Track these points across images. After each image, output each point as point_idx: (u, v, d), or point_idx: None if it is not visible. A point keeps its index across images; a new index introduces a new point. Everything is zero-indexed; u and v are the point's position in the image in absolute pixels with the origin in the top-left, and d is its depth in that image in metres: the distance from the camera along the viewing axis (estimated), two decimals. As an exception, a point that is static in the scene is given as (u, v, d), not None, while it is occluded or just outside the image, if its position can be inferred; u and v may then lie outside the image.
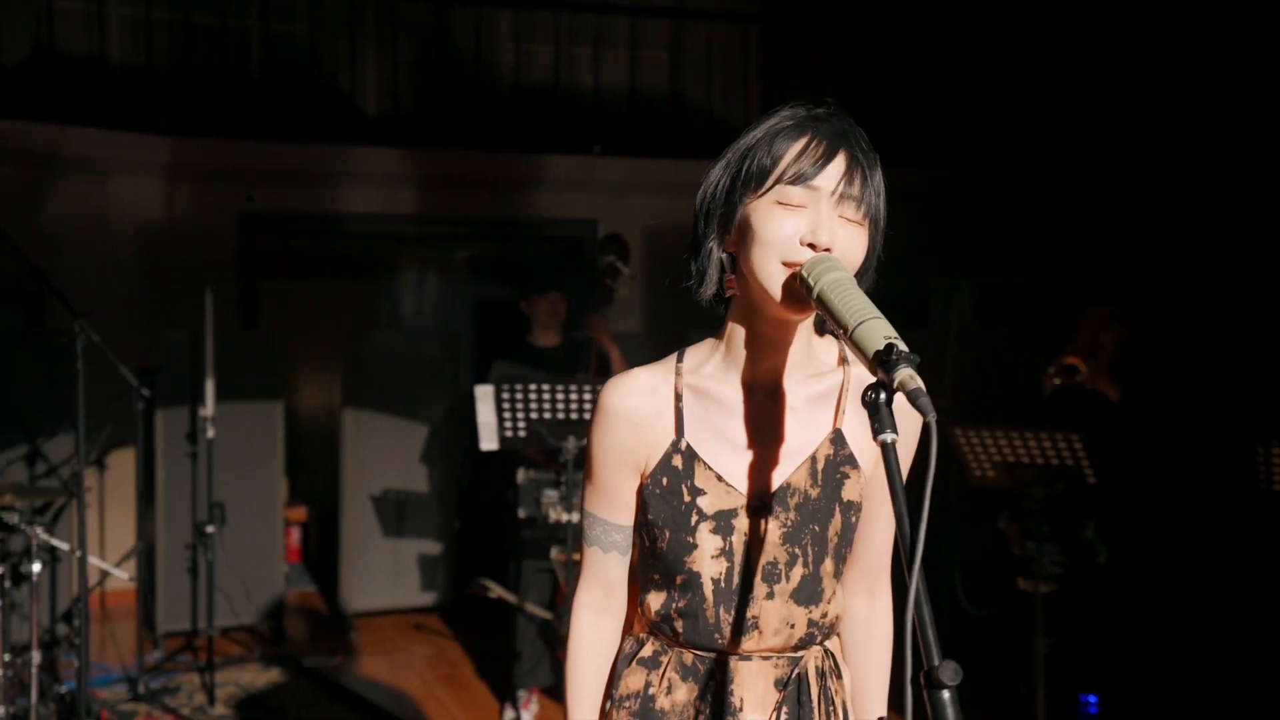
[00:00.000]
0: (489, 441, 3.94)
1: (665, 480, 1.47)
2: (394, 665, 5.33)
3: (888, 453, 1.17)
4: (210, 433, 4.97)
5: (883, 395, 1.18)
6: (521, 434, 3.92)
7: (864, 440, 1.46)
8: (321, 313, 7.98)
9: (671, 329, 5.25)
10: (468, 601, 5.75)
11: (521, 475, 4.17)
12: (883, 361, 1.18)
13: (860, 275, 1.43)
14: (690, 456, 1.47)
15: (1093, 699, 4.28)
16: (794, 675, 1.48)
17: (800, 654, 1.50)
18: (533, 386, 3.89)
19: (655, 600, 1.52)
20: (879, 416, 1.18)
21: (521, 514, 4.17)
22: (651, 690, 1.52)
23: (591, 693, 1.58)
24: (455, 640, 5.66)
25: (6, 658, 3.86)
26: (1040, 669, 3.71)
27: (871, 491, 1.51)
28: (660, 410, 1.50)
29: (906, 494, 1.42)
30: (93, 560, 4.06)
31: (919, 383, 1.15)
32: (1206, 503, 4.51)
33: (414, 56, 7.33)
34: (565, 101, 7.51)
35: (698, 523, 1.46)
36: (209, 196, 6.66)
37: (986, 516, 4.31)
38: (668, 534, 1.47)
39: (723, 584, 1.46)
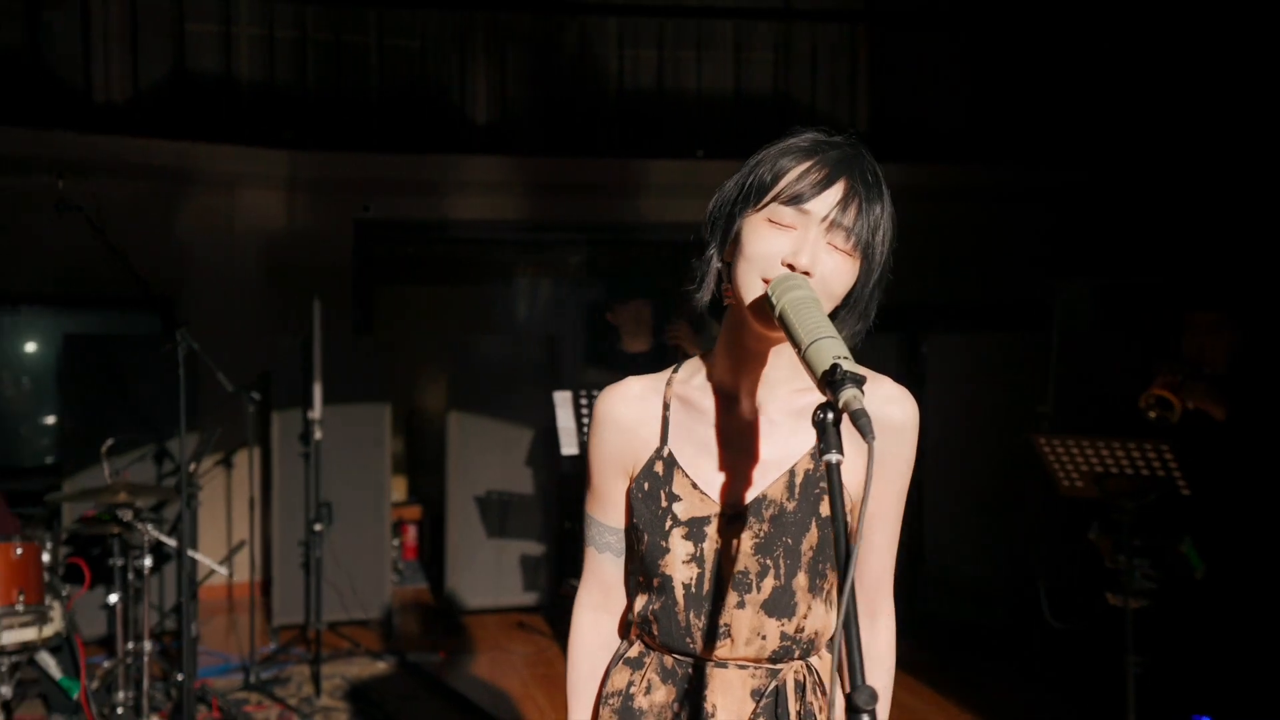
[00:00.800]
0: (569, 447, 4.01)
1: (647, 485, 1.51)
2: (494, 663, 5.45)
3: (831, 473, 1.17)
4: (318, 434, 5.18)
5: (830, 415, 1.18)
6: (601, 439, 3.97)
7: (850, 458, 1.44)
8: (435, 317, 8.22)
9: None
10: (568, 602, 5.84)
11: (602, 480, 4.23)
12: (829, 382, 1.18)
13: (848, 306, 1.43)
14: (671, 463, 1.51)
15: (1206, 720, 4.09)
16: (772, 688, 1.49)
17: (779, 667, 1.50)
18: (610, 392, 3.94)
19: (638, 602, 1.57)
20: (826, 437, 1.18)
21: (603, 518, 4.23)
22: (633, 689, 1.56)
23: (588, 688, 1.63)
24: (555, 640, 5.75)
25: (130, 645, 4.13)
26: (1131, 688, 3.57)
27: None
28: (648, 417, 1.54)
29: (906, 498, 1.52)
30: (198, 557, 4.29)
31: (862, 403, 1.15)
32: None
33: (521, 66, 7.48)
34: (670, 106, 7.55)
35: (671, 527, 1.49)
36: (327, 206, 6.97)
37: (1075, 528, 4.15)
38: (646, 537, 1.51)
39: (693, 589, 1.49)
